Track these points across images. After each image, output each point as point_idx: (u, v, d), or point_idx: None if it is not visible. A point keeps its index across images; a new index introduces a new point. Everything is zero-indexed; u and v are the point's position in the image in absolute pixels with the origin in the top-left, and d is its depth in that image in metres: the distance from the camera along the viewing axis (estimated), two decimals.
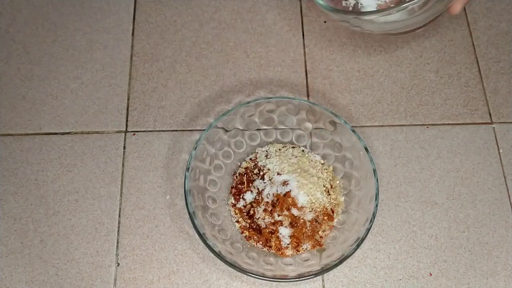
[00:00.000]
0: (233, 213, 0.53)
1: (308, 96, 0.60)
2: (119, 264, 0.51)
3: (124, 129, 0.58)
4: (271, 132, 0.57)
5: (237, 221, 0.53)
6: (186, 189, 0.49)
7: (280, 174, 0.52)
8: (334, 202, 0.53)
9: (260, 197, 0.52)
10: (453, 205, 0.55)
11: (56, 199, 0.54)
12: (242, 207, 0.53)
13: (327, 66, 0.62)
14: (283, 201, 0.51)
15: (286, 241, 0.51)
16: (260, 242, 0.51)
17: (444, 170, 0.57)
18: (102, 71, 0.61)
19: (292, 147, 0.56)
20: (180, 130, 0.58)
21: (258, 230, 0.51)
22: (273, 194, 0.51)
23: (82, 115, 0.58)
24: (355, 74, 0.62)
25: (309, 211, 0.51)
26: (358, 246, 0.47)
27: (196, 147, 0.51)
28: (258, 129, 0.57)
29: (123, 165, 0.56)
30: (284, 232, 0.51)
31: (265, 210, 0.51)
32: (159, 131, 0.58)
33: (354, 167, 0.53)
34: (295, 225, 0.51)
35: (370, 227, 0.48)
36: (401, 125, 0.59)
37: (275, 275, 0.47)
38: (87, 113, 0.59)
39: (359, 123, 0.59)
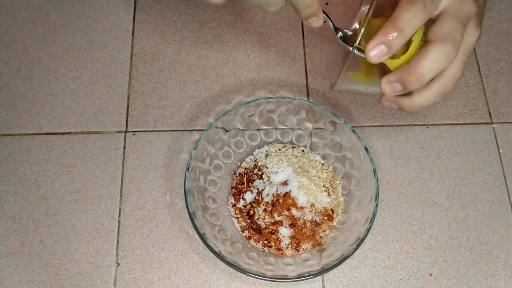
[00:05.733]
0: (233, 213, 0.53)
1: (308, 96, 0.60)
2: (119, 264, 0.51)
3: (124, 129, 0.58)
4: (271, 132, 0.57)
5: (237, 221, 0.53)
6: (186, 189, 0.49)
7: (280, 174, 0.52)
8: (334, 202, 0.53)
9: (260, 197, 0.52)
10: (453, 205, 0.55)
11: (56, 199, 0.54)
12: (242, 207, 0.53)
13: (327, 66, 0.62)
14: (283, 201, 0.51)
15: (286, 241, 0.51)
16: (260, 242, 0.51)
17: (444, 170, 0.57)
18: (102, 71, 0.61)
19: (292, 147, 0.56)
20: (180, 130, 0.58)
21: (258, 230, 0.51)
22: (273, 194, 0.51)
23: (82, 115, 0.58)
24: None
25: (309, 211, 0.51)
26: (358, 246, 0.47)
27: (196, 147, 0.51)
28: (258, 129, 0.57)
29: (123, 165, 0.56)
30: (284, 232, 0.51)
31: (265, 210, 0.51)
32: (159, 131, 0.58)
33: (354, 167, 0.53)
34: (295, 225, 0.51)
35: (370, 227, 0.48)
36: (401, 125, 0.59)
37: (275, 275, 0.47)
38: (87, 113, 0.59)
39: (359, 123, 0.59)
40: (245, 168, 0.55)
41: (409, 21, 0.38)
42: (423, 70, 0.39)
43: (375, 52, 0.38)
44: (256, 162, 0.55)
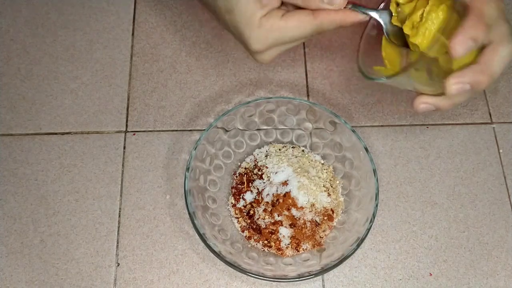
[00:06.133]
0: (233, 213, 0.53)
1: (308, 96, 0.60)
2: (119, 264, 0.51)
3: (124, 129, 0.58)
4: (271, 132, 0.57)
5: (237, 221, 0.53)
6: (186, 189, 0.49)
7: (280, 174, 0.52)
8: (334, 202, 0.53)
9: (260, 197, 0.52)
10: (453, 205, 0.55)
11: (56, 199, 0.54)
12: (242, 207, 0.53)
13: (327, 66, 0.62)
14: (283, 201, 0.51)
15: (286, 241, 0.51)
16: (260, 242, 0.51)
17: (444, 170, 0.57)
18: (102, 71, 0.61)
19: (292, 147, 0.56)
20: (180, 130, 0.58)
21: (258, 230, 0.51)
22: (273, 194, 0.51)
23: (82, 115, 0.58)
24: (355, 74, 0.62)
25: (309, 211, 0.51)
26: (358, 246, 0.47)
27: (196, 147, 0.51)
28: (258, 129, 0.57)
29: (123, 165, 0.56)
30: (284, 232, 0.51)
31: (265, 210, 0.51)
32: (159, 131, 0.58)
33: (354, 167, 0.53)
34: (295, 225, 0.51)
35: (370, 227, 0.48)
36: (401, 125, 0.59)
37: (275, 275, 0.47)
38: (87, 113, 0.59)
39: (359, 123, 0.59)
40: (245, 168, 0.55)
41: (491, 17, 0.39)
42: (494, 69, 0.40)
43: (462, 46, 0.38)
44: (256, 162, 0.55)
